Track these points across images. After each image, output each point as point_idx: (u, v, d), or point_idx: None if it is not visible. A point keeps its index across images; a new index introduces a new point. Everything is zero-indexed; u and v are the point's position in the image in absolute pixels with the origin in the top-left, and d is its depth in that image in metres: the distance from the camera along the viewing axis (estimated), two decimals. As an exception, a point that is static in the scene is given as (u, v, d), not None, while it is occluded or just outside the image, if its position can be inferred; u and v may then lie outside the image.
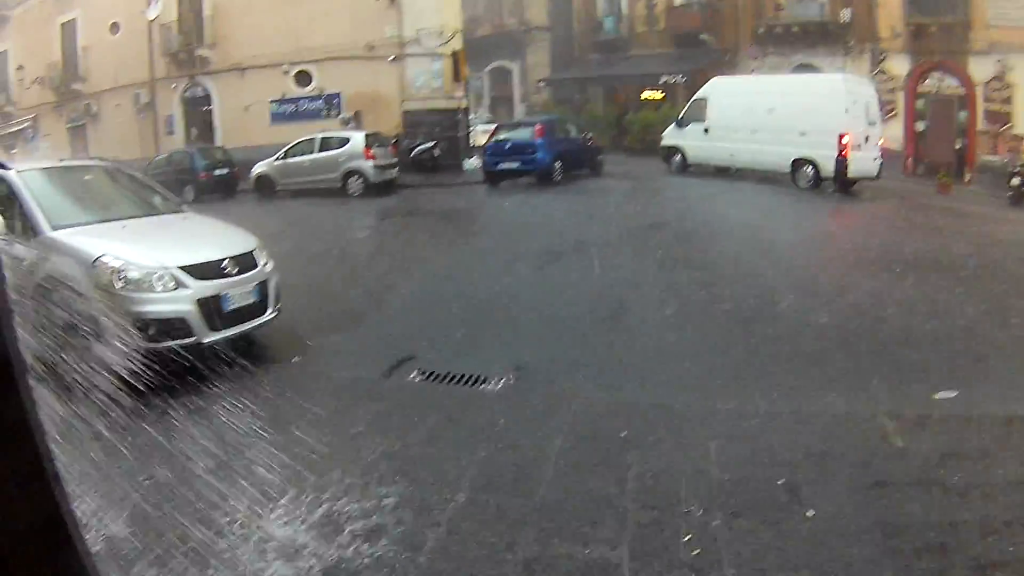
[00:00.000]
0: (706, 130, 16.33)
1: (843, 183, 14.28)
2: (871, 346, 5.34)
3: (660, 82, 22.60)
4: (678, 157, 17.22)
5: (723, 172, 16.24)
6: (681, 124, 17.14)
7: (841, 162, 13.87)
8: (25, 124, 26.83)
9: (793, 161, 14.62)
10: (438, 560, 2.84)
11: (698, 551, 2.77)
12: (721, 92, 16.30)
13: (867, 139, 14.37)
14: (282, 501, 3.27)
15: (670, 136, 17.47)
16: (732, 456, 3.58)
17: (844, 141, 13.73)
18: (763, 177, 15.49)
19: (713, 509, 3.07)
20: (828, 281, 7.39)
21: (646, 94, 23.97)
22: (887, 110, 19.78)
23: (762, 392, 4.40)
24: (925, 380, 4.58)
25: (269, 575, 2.77)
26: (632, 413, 4.15)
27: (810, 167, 14.37)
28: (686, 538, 2.88)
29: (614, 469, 3.50)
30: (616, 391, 4.58)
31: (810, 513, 3.01)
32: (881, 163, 14.89)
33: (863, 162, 14.23)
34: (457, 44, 20.21)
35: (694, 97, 17.19)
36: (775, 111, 14.70)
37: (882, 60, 20.31)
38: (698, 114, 16.63)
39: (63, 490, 0.67)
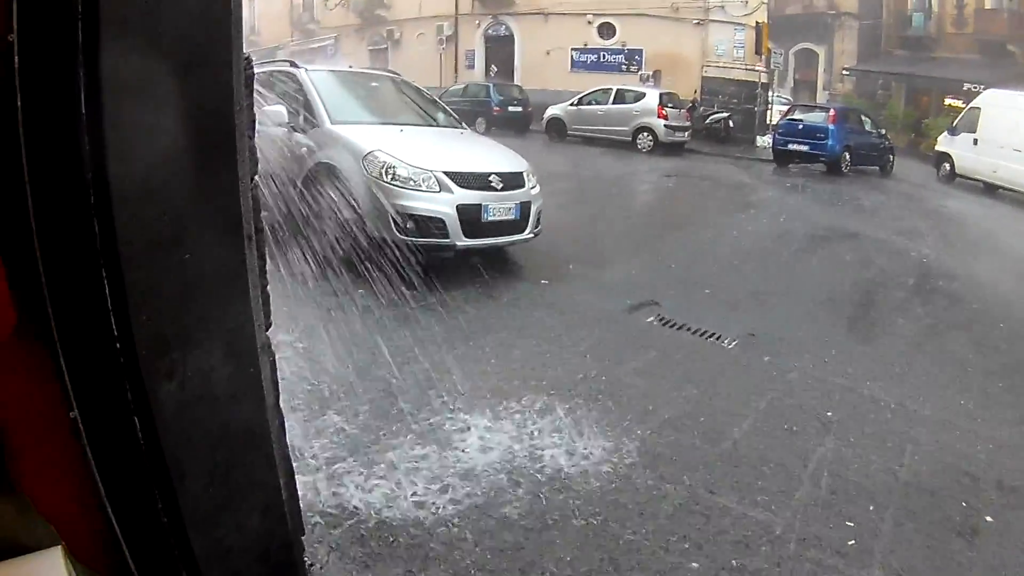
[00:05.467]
0: (975, 141, 16.22)
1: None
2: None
3: (963, 89, 21.20)
4: (947, 165, 17.46)
5: (991, 190, 15.89)
6: (953, 132, 17.24)
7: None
8: (326, 42, 29.31)
9: None
10: (601, 484, 2.95)
11: (854, 542, 2.74)
12: (993, 104, 16.14)
13: None
14: (489, 398, 3.55)
15: (943, 143, 17.77)
16: (927, 462, 3.47)
17: None
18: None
19: (888, 508, 3.00)
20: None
21: (948, 100, 22.53)
22: None
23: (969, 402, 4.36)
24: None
25: (467, 445, 3.09)
26: (844, 397, 4.17)
27: None
28: (848, 526, 2.83)
29: (807, 443, 3.52)
30: (837, 374, 4.55)
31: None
32: None
33: None
34: (762, 16, 20.11)
35: (969, 106, 17.26)
36: None
37: None
38: (970, 124, 16.55)
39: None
